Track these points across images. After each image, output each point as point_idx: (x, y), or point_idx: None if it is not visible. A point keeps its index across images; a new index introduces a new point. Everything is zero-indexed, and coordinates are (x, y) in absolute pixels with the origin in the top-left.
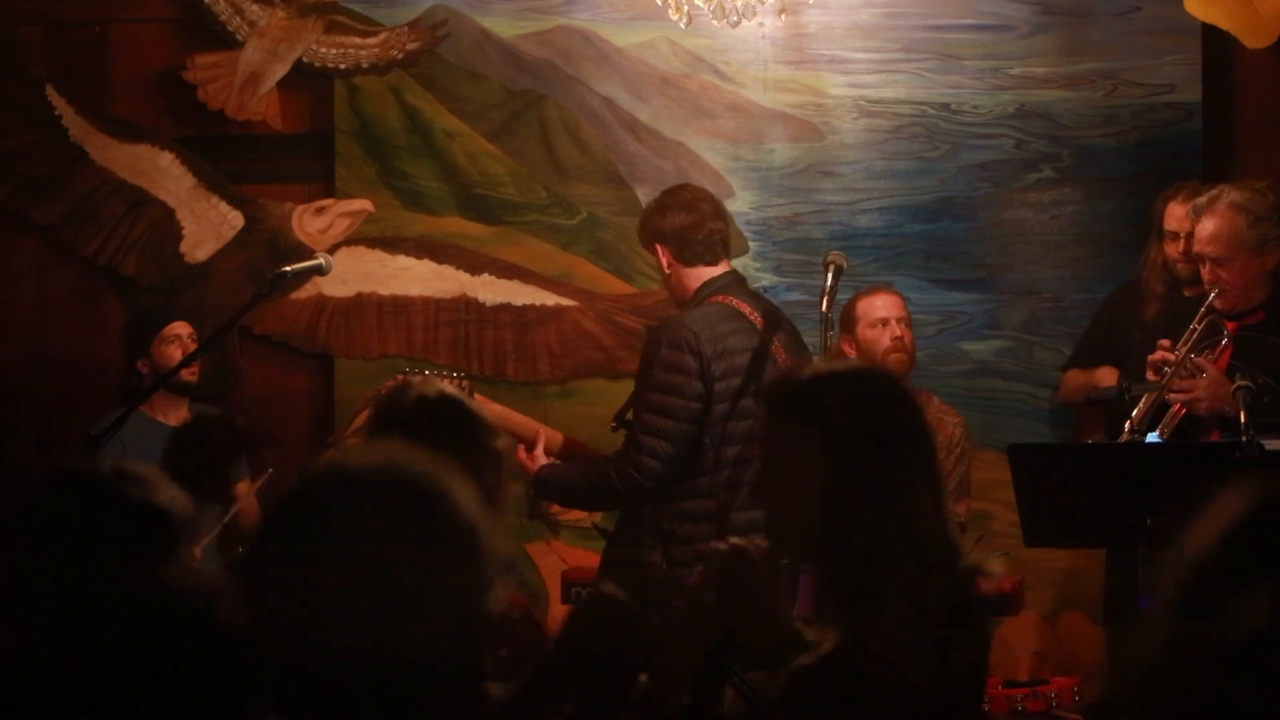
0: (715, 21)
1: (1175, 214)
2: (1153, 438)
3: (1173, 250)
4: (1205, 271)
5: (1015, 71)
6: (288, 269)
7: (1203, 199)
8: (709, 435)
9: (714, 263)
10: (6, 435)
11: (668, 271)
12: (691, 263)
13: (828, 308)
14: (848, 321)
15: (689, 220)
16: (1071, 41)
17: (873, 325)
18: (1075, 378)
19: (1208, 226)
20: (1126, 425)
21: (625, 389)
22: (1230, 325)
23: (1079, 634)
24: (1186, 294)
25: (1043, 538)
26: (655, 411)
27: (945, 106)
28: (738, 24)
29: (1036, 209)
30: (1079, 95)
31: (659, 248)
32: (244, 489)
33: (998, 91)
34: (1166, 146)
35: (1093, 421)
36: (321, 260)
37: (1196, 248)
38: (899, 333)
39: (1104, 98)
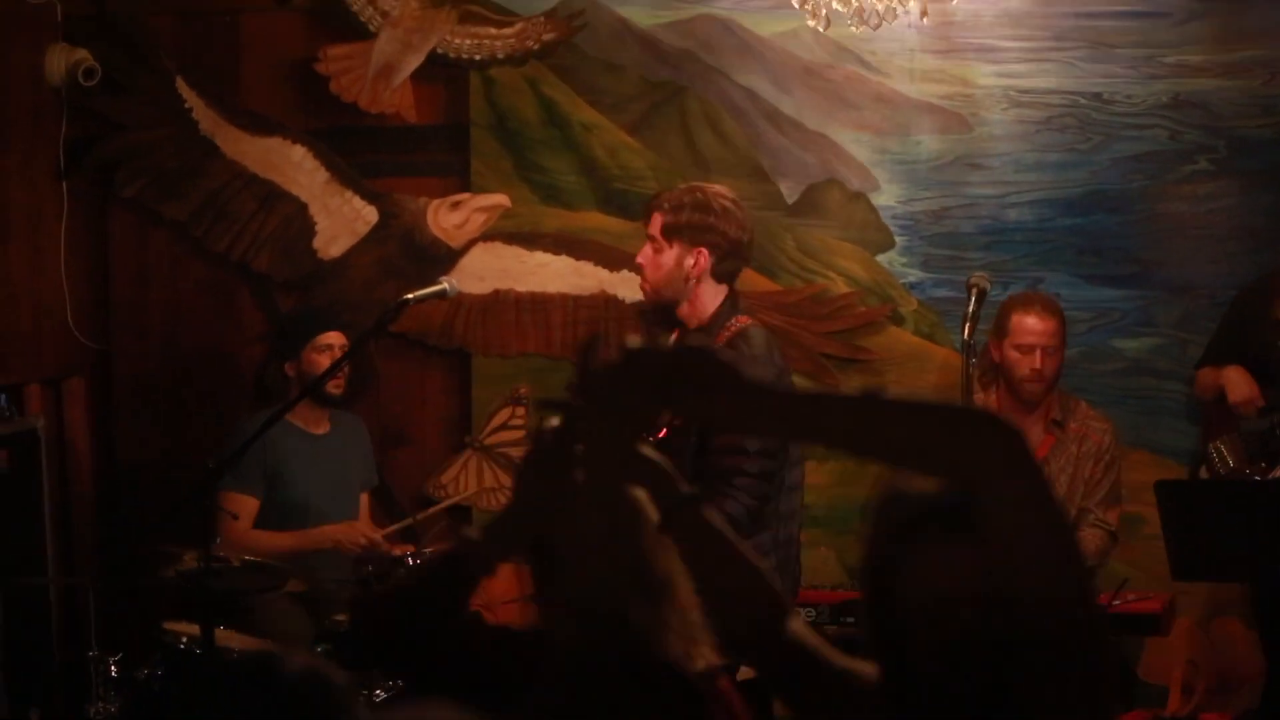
0: (854, 29)
1: None
2: None
3: None
4: None
5: (1170, 60)
6: (410, 296)
7: None
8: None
9: (732, 281)
10: (144, 429)
11: (691, 275)
12: (721, 279)
13: (969, 334)
14: (999, 326)
15: (745, 237)
16: (1228, 28)
17: (1018, 347)
18: (1207, 375)
19: None
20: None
21: None
22: None
23: (1234, 639)
24: None
25: (1191, 572)
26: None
27: (1097, 96)
28: (879, 26)
29: (1191, 202)
30: (1236, 84)
31: (701, 251)
32: (365, 500)
33: (1151, 81)
34: None
35: (1225, 421)
36: (446, 285)
37: None
38: (1039, 365)
39: (1262, 86)
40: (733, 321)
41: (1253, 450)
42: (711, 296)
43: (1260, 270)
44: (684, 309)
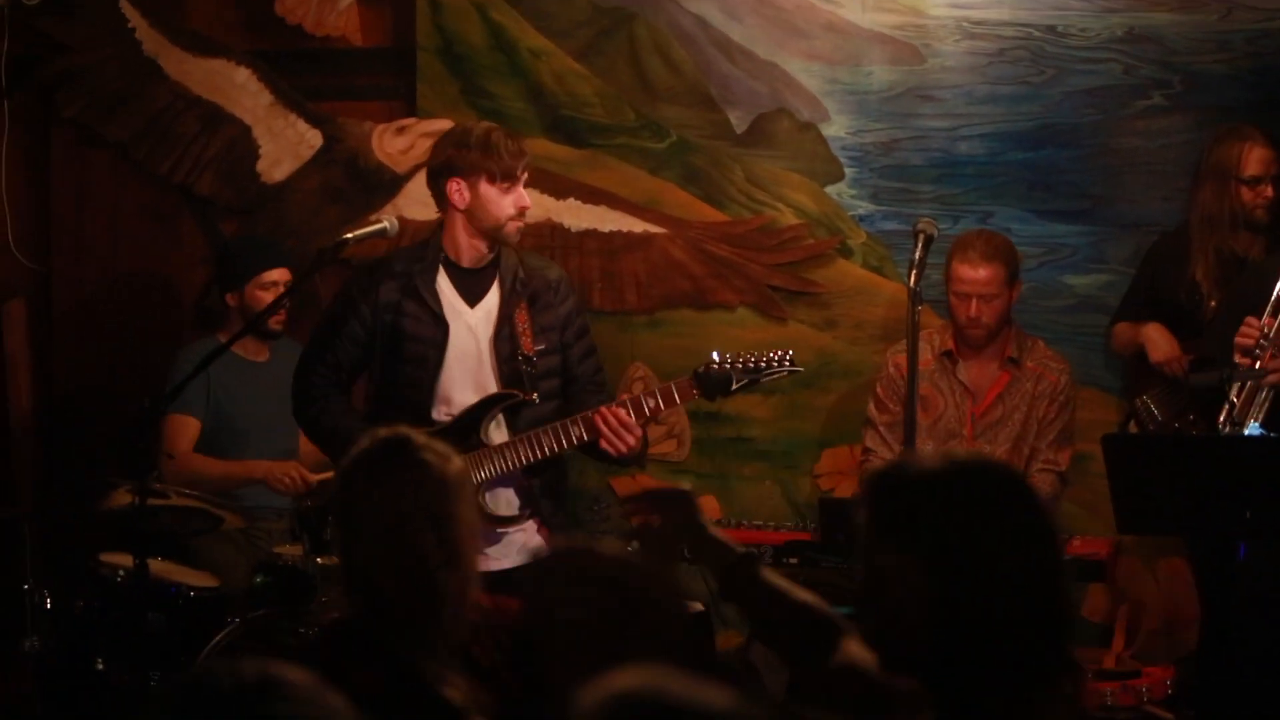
0: None
1: (1258, 156)
2: (1253, 429)
3: (1251, 197)
4: None
5: None
6: (349, 235)
7: None
8: None
9: None
10: (84, 354)
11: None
12: None
13: (915, 282)
14: (947, 265)
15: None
16: None
17: (956, 294)
18: (1125, 331)
19: None
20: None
21: (715, 320)
22: None
23: (1180, 579)
24: (1243, 253)
25: (1137, 525)
26: None
27: (1051, 29)
28: None
29: (1144, 137)
30: (1191, 19)
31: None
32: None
33: (1106, 14)
34: None
35: (1146, 376)
36: (386, 224)
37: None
38: (973, 313)
39: (1218, 21)
40: None
41: (1182, 404)
42: None
43: None
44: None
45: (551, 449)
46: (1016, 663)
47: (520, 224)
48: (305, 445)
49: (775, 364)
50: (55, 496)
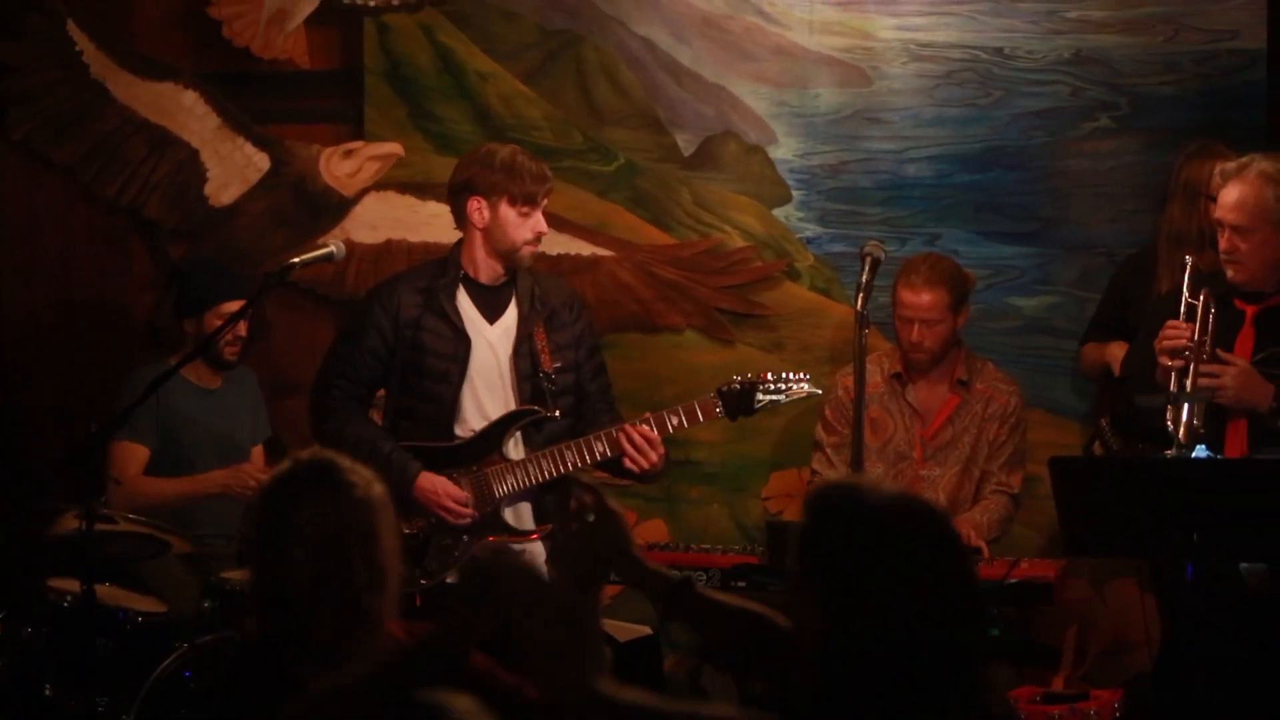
0: None
1: None
2: (1200, 451)
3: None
4: (1223, 240)
5: (1072, 15)
6: (296, 259)
7: (1231, 165)
8: None
9: None
10: (33, 377)
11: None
12: None
13: (863, 305)
14: (894, 288)
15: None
16: None
17: (900, 318)
18: (1092, 352)
19: (1233, 193)
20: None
21: (663, 342)
22: (1248, 307)
23: (1128, 602)
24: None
25: (1084, 547)
26: None
27: (998, 51)
28: None
29: (1092, 159)
30: (1138, 41)
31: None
32: (258, 453)
33: (1053, 36)
34: (1228, 95)
35: (1112, 397)
36: (333, 248)
37: (1218, 214)
38: (915, 338)
39: (1164, 44)
40: None
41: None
42: None
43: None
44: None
45: (574, 464)
46: (907, 708)
47: (535, 248)
48: (258, 464)
49: (795, 385)
50: (2, 522)
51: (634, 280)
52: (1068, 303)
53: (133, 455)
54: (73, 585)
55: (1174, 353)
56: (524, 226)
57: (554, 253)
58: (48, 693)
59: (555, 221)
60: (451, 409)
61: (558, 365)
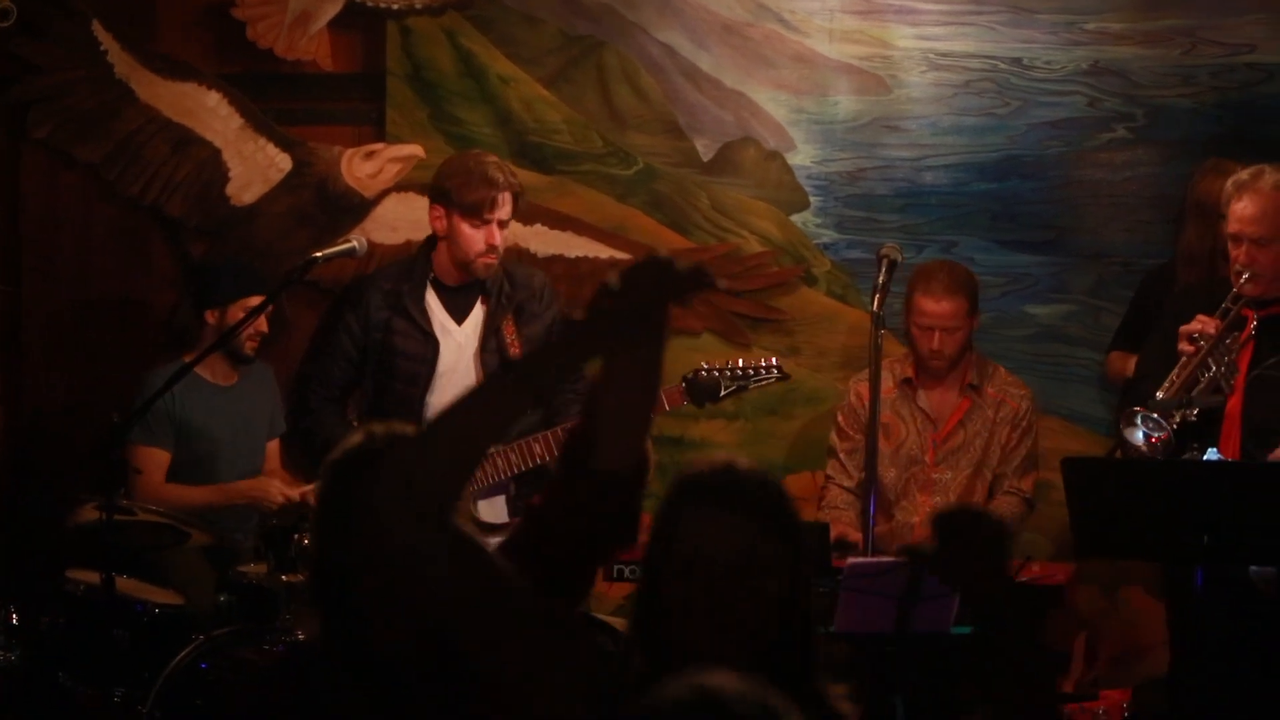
0: None
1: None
2: (1212, 454)
3: None
4: (1239, 253)
5: (1090, 27)
6: (318, 254)
7: (1245, 174)
8: None
9: None
10: (54, 374)
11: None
12: None
13: (879, 305)
14: (906, 298)
15: None
16: None
17: (918, 326)
18: (1117, 360)
19: (1249, 206)
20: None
21: (679, 345)
22: (1250, 313)
23: (1138, 607)
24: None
25: (1096, 550)
26: None
27: (1017, 61)
28: None
29: (1108, 170)
30: (1155, 53)
31: None
32: (274, 448)
33: (1071, 47)
34: (1245, 108)
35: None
36: (355, 244)
37: (1233, 227)
38: (935, 346)
39: (1181, 56)
40: None
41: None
42: None
43: (1174, 240)
44: None
45: (543, 457)
46: None
47: (492, 260)
48: (269, 465)
49: (763, 371)
50: (22, 512)
51: None
52: (1082, 311)
53: (153, 460)
54: (92, 576)
55: (1194, 339)
56: (475, 238)
57: (572, 255)
58: (64, 682)
59: (574, 224)
60: (420, 410)
61: None
